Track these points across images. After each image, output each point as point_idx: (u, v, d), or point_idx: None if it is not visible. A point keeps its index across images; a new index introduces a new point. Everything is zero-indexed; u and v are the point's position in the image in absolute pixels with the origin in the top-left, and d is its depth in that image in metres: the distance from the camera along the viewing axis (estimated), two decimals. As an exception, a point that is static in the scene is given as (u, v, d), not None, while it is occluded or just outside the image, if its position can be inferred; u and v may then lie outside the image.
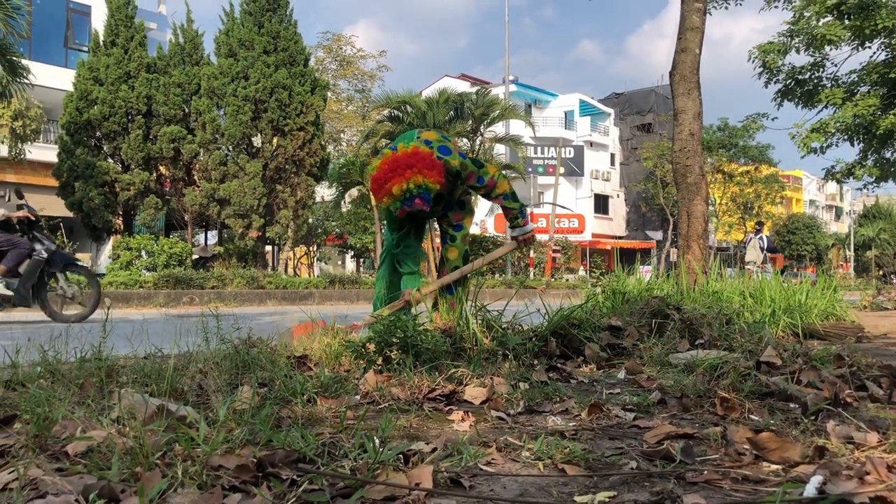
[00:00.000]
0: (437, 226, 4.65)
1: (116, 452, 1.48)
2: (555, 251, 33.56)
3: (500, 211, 4.53)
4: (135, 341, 2.94)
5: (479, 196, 4.55)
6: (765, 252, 16.58)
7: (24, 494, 1.31)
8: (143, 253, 17.84)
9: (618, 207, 53.39)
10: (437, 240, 10.59)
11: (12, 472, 1.43)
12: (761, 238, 16.88)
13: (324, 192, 30.10)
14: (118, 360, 2.74)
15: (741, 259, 19.36)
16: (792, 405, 2.36)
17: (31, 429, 1.68)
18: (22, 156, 21.87)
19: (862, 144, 18.07)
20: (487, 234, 31.84)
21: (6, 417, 1.84)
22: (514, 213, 4.31)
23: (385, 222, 4.49)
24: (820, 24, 16.73)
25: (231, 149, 19.52)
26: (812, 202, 75.27)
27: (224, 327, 3.08)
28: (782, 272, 6.05)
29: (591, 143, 50.79)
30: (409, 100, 23.35)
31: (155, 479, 1.36)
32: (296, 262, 26.78)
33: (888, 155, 18.44)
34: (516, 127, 32.41)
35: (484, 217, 41.59)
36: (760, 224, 18.54)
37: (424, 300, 4.12)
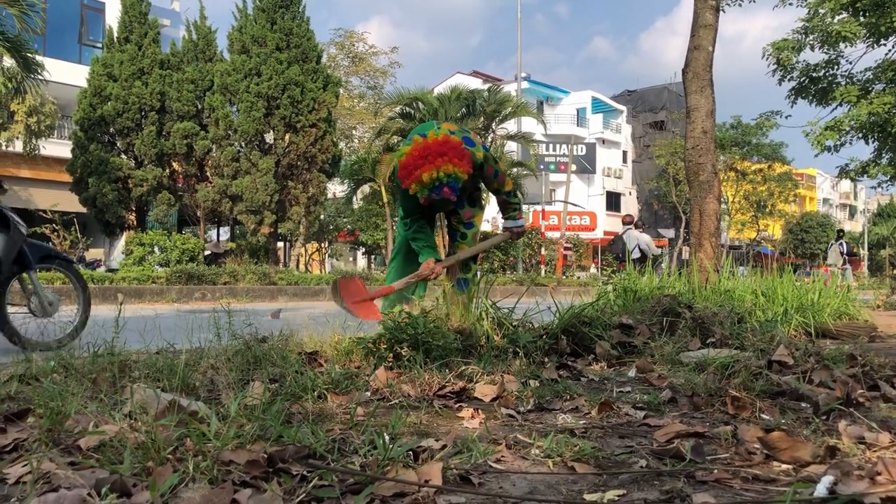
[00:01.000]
0: (445, 221, 4.66)
1: (128, 447, 1.49)
2: (566, 248, 33.49)
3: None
4: (147, 337, 2.96)
5: (489, 193, 4.57)
6: (844, 256, 18.81)
7: (38, 488, 1.33)
8: (155, 248, 17.93)
9: (630, 205, 53.20)
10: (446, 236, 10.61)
11: (26, 465, 1.45)
12: (841, 244, 19.05)
13: (335, 188, 30.14)
14: (131, 355, 2.76)
15: (823, 259, 21.66)
16: (803, 404, 2.35)
17: (45, 423, 1.70)
18: (36, 151, 22.01)
19: (877, 143, 17.92)
20: (499, 231, 31.82)
21: (20, 411, 1.86)
22: (514, 207, 4.45)
23: (398, 216, 4.50)
24: (835, 21, 16.59)
25: (244, 145, 19.58)
26: (826, 200, 74.75)
27: (236, 323, 3.09)
28: (795, 270, 6.02)
29: (604, 141, 50.65)
30: (421, 97, 23.35)
31: (166, 473, 1.37)
32: (307, 258, 26.86)
33: (903, 153, 18.29)
34: (528, 124, 32.32)
35: (495, 214, 41.54)
36: (841, 232, 20.72)
37: (444, 273, 4.15)
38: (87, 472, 1.40)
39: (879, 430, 1.85)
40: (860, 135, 17.58)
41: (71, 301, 5.16)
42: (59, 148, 23.85)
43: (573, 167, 37.04)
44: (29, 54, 15.03)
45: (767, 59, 17.69)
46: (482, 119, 24.37)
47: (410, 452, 1.64)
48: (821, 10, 16.72)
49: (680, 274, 6.21)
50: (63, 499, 1.25)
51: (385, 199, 23.29)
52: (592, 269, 38.22)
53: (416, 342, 2.84)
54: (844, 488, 1.36)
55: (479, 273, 4.55)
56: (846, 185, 73.28)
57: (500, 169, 4.25)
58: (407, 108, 23.88)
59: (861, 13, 16.35)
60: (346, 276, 4.04)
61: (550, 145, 43.78)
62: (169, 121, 19.26)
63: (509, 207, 4.46)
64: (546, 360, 3.11)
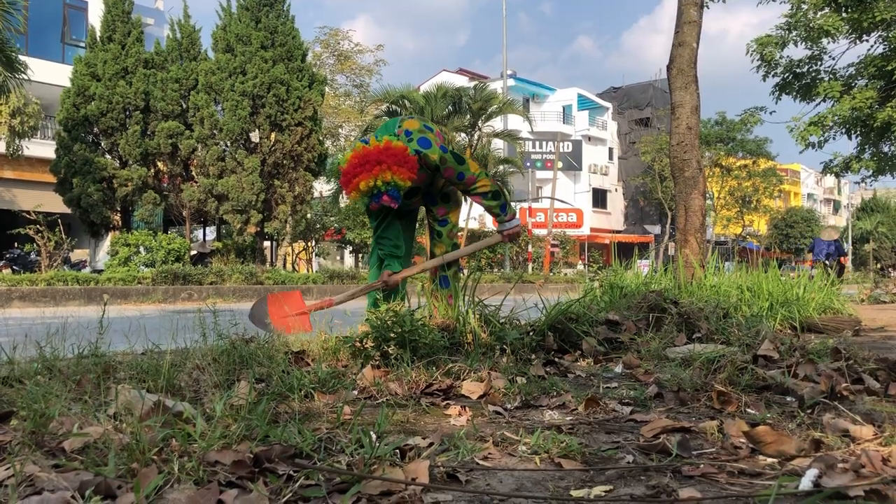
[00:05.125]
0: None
1: (113, 448, 1.48)
2: (553, 245, 33.56)
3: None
4: (132, 337, 2.94)
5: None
6: None
7: (20, 491, 1.31)
8: (141, 249, 17.82)
9: (616, 202, 53.38)
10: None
11: (8, 468, 1.43)
12: None
13: (322, 187, 30.05)
14: (115, 356, 2.74)
15: None
16: (789, 398, 2.37)
17: (28, 425, 1.68)
18: (19, 152, 21.83)
19: (859, 138, 18.07)
20: (487, 229, 31.82)
21: (3, 414, 1.85)
22: (495, 210, 4.18)
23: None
24: (817, 16, 16.71)
25: (229, 144, 19.48)
26: (810, 196, 75.24)
27: (222, 323, 3.08)
28: (780, 265, 6.06)
29: (590, 138, 50.76)
30: (406, 94, 23.32)
31: (151, 474, 1.36)
32: (294, 257, 26.78)
33: (885, 148, 18.44)
34: (514, 121, 32.38)
35: (482, 212, 41.58)
36: None
37: (401, 285, 4.12)
38: (71, 474, 1.39)
39: (863, 424, 1.86)
40: (843, 130, 17.71)
41: None
42: (42, 148, 23.66)
43: (559, 164, 37.11)
44: (12, 53, 14.90)
45: (751, 55, 17.79)
46: (468, 117, 24.38)
47: (397, 451, 1.64)
48: (803, 6, 16.82)
49: (666, 270, 6.23)
50: (46, 501, 1.24)
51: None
52: (579, 266, 38.33)
53: (402, 340, 2.84)
54: (829, 481, 1.37)
55: (463, 269, 4.53)
56: (830, 180, 73.77)
57: (466, 170, 4.00)
58: (393, 106, 23.85)
59: (843, 9, 16.47)
60: (282, 293, 4.01)
61: (537, 143, 43.87)
62: (153, 120, 19.13)
63: (491, 212, 4.22)
64: (533, 356, 3.11)
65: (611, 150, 53.39)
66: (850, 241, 59.01)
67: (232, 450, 1.52)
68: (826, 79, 17.69)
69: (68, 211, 19.27)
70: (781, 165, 54.82)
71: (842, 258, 16.10)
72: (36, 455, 1.52)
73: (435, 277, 4.35)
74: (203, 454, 1.48)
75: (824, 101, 17.59)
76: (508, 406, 2.31)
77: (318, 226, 27.80)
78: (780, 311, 5.07)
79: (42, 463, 1.46)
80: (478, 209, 28.11)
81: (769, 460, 1.66)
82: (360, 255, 34.75)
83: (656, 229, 50.58)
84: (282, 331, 3.57)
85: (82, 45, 23.39)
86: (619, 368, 3.08)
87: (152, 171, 19.57)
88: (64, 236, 15.62)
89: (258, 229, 20.06)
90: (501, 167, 26.84)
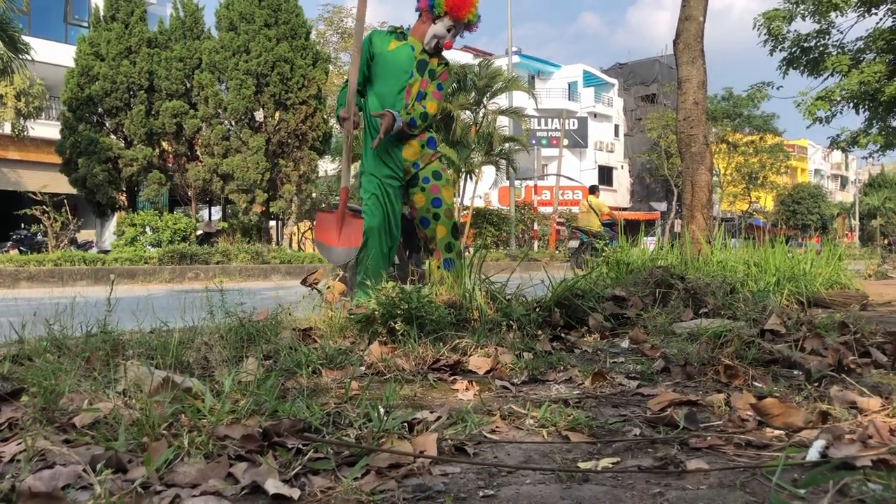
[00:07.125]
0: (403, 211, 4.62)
1: (123, 423, 1.49)
2: (559, 224, 33.51)
3: (504, 184, 4.55)
4: (140, 316, 2.94)
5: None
6: None
7: (32, 465, 1.33)
8: (147, 229, 17.86)
9: (622, 179, 53.23)
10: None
11: (20, 443, 1.45)
12: None
13: (327, 166, 30.00)
14: (124, 334, 2.75)
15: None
16: (796, 372, 2.37)
17: (39, 401, 1.69)
18: (24, 133, 21.83)
19: (867, 112, 17.94)
20: (492, 208, 31.76)
21: (13, 391, 1.85)
22: (416, 118, 4.51)
23: (361, 170, 4.47)
24: (826, -11, 16.53)
25: (233, 123, 19.46)
26: (817, 171, 74.83)
27: (229, 302, 3.08)
28: (787, 242, 6.02)
29: (595, 115, 50.51)
30: (411, 72, 23.12)
31: (161, 448, 1.37)
32: (300, 236, 26.80)
33: (893, 123, 18.32)
34: (520, 99, 32.20)
35: (488, 190, 41.49)
36: None
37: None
38: (83, 448, 1.40)
39: (871, 396, 1.86)
40: (851, 104, 17.59)
41: None
42: (47, 129, 23.67)
43: (565, 142, 36.93)
44: (15, 33, 14.85)
45: (758, 29, 17.62)
46: (473, 94, 24.25)
47: (405, 424, 1.64)
48: (812, -20, 16.65)
49: (672, 246, 6.21)
50: (59, 475, 1.25)
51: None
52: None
53: (409, 317, 2.84)
54: (836, 452, 1.38)
55: (468, 248, 4.52)
56: (837, 155, 73.30)
57: (442, 94, 4.55)
58: (397, 84, 23.63)
59: (852, -18, 16.30)
60: (320, 214, 4.17)
61: (542, 120, 43.57)
62: (158, 100, 19.10)
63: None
64: (539, 332, 3.11)
65: (616, 126, 53.16)
66: (857, 217, 58.81)
67: (241, 424, 1.53)
68: (834, 53, 17.55)
69: (74, 191, 19.30)
70: (788, 141, 54.49)
71: None
72: (47, 430, 1.53)
73: (439, 261, 4.35)
74: (212, 429, 1.49)
75: (832, 75, 17.46)
76: (515, 381, 2.32)
77: (323, 205, 27.82)
78: (787, 286, 5.06)
79: (53, 438, 1.47)
80: (482, 188, 28.13)
81: (776, 432, 1.66)
82: (366, 234, 34.70)
83: (662, 206, 50.43)
84: (350, 247, 3.78)
85: (85, 24, 23.32)
86: (625, 344, 3.08)
87: (157, 150, 19.57)
88: (70, 217, 15.66)
89: (263, 209, 20.08)
90: (507, 145, 26.73)
